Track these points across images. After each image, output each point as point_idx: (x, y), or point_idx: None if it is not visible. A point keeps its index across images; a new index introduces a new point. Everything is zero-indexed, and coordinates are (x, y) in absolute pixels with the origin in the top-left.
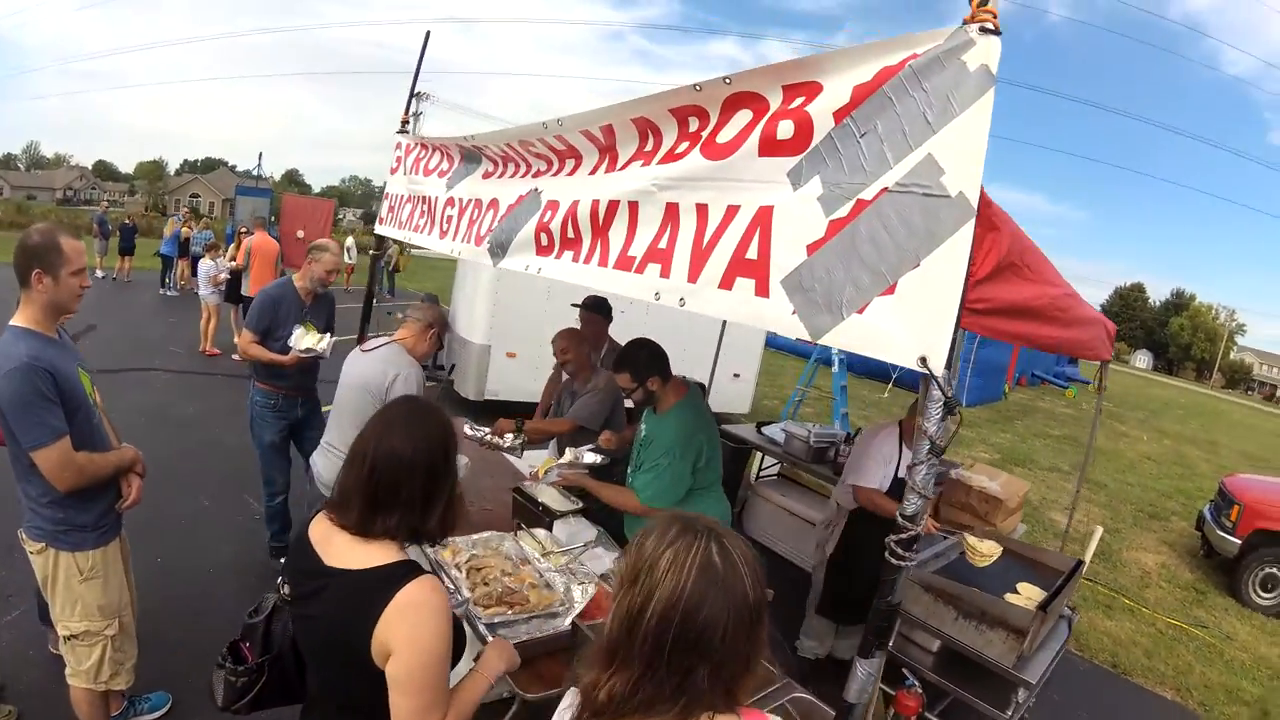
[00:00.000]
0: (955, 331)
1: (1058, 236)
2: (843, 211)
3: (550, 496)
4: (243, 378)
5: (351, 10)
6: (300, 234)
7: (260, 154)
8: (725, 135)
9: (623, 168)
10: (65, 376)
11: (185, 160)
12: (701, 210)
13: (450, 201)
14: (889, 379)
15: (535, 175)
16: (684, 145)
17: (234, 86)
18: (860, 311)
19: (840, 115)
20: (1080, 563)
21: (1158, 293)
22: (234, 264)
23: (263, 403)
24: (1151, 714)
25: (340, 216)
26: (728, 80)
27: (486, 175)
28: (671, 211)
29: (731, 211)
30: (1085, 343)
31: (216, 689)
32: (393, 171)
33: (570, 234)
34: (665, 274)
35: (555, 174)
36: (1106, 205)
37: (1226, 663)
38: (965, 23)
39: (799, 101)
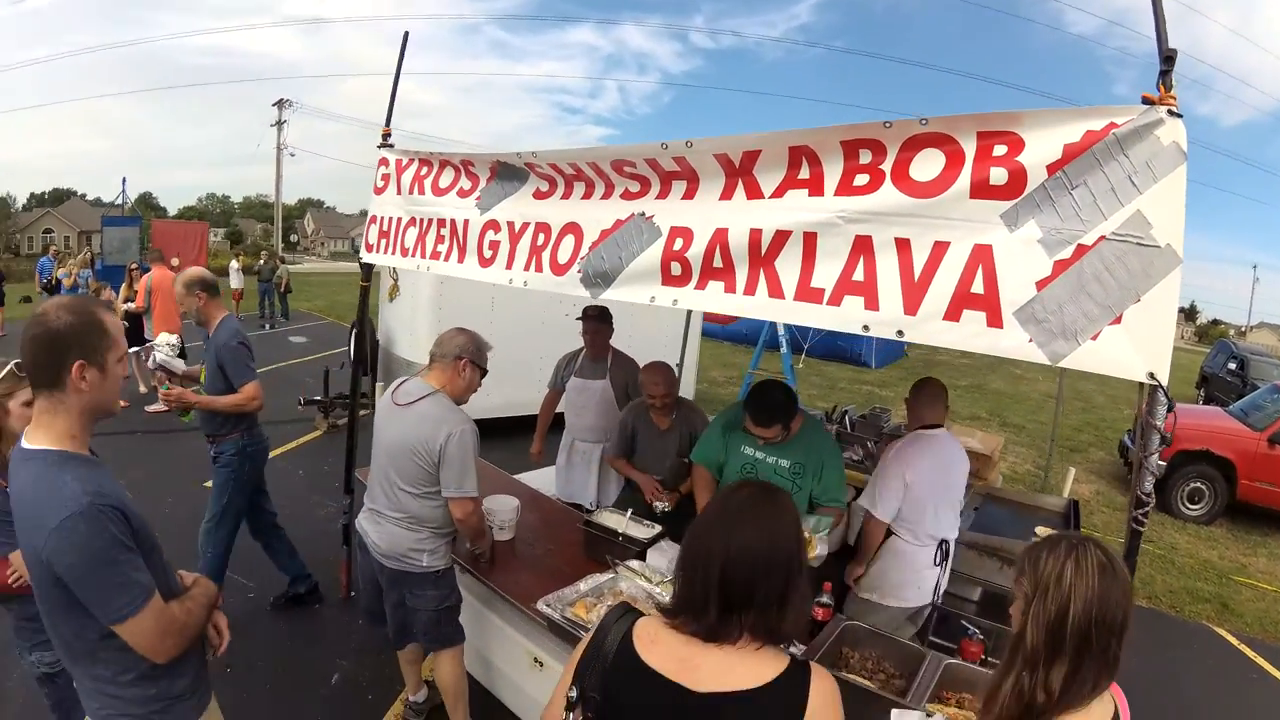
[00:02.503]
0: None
1: None
2: (1065, 254)
3: (625, 524)
4: (159, 432)
5: (182, 17)
6: (175, 262)
7: (124, 180)
8: (922, 173)
9: (776, 194)
10: (132, 511)
11: (32, 193)
12: (903, 245)
13: (492, 225)
14: (801, 351)
15: (628, 197)
16: (865, 177)
17: (70, 110)
18: (1094, 338)
19: (1053, 168)
20: (1075, 502)
21: None
22: (133, 306)
23: None
24: (1139, 621)
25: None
26: (924, 121)
27: (540, 195)
28: (863, 244)
29: (940, 248)
30: None
31: None
32: (379, 191)
33: (718, 263)
34: (872, 306)
35: (662, 196)
36: None
37: (1179, 569)
38: (1147, 101)
39: (1003, 150)
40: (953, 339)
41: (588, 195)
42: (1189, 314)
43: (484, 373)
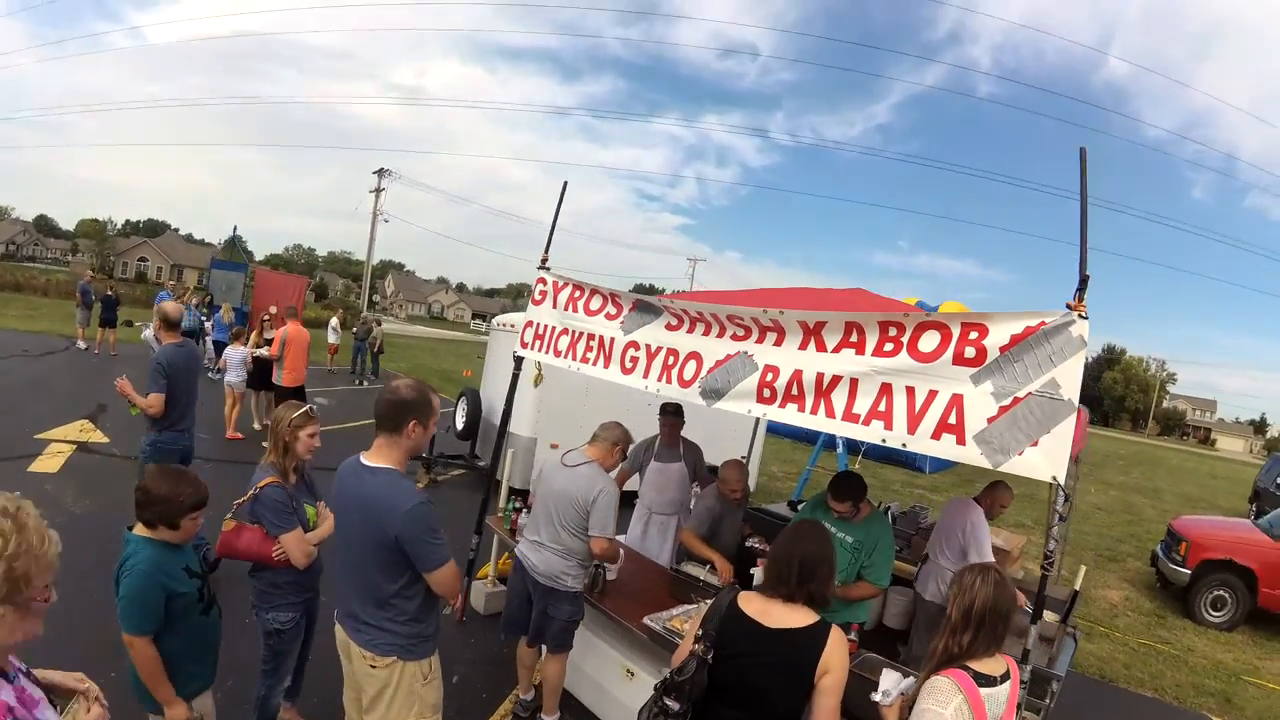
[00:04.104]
0: (1069, 464)
1: (990, 299)
2: (1006, 401)
3: (702, 573)
4: None
5: (291, 71)
6: (273, 309)
7: (235, 228)
8: (925, 346)
9: (835, 350)
10: None
11: (127, 220)
12: (910, 390)
13: (633, 344)
14: (858, 452)
15: (735, 338)
16: (890, 346)
17: (173, 148)
18: (1020, 454)
19: (1004, 349)
20: (1076, 592)
21: (1090, 349)
22: (265, 352)
23: None
24: (1139, 708)
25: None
26: (928, 314)
27: (671, 328)
28: (886, 388)
29: (932, 394)
30: (1080, 444)
31: None
32: (536, 303)
33: (794, 392)
34: (889, 427)
35: (759, 342)
36: (1034, 270)
37: (1191, 668)
38: (1069, 307)
39: (975, 335)
40: (936, 451)
41: (706, 333)
42: (1259, 427)
43: (625, 456)
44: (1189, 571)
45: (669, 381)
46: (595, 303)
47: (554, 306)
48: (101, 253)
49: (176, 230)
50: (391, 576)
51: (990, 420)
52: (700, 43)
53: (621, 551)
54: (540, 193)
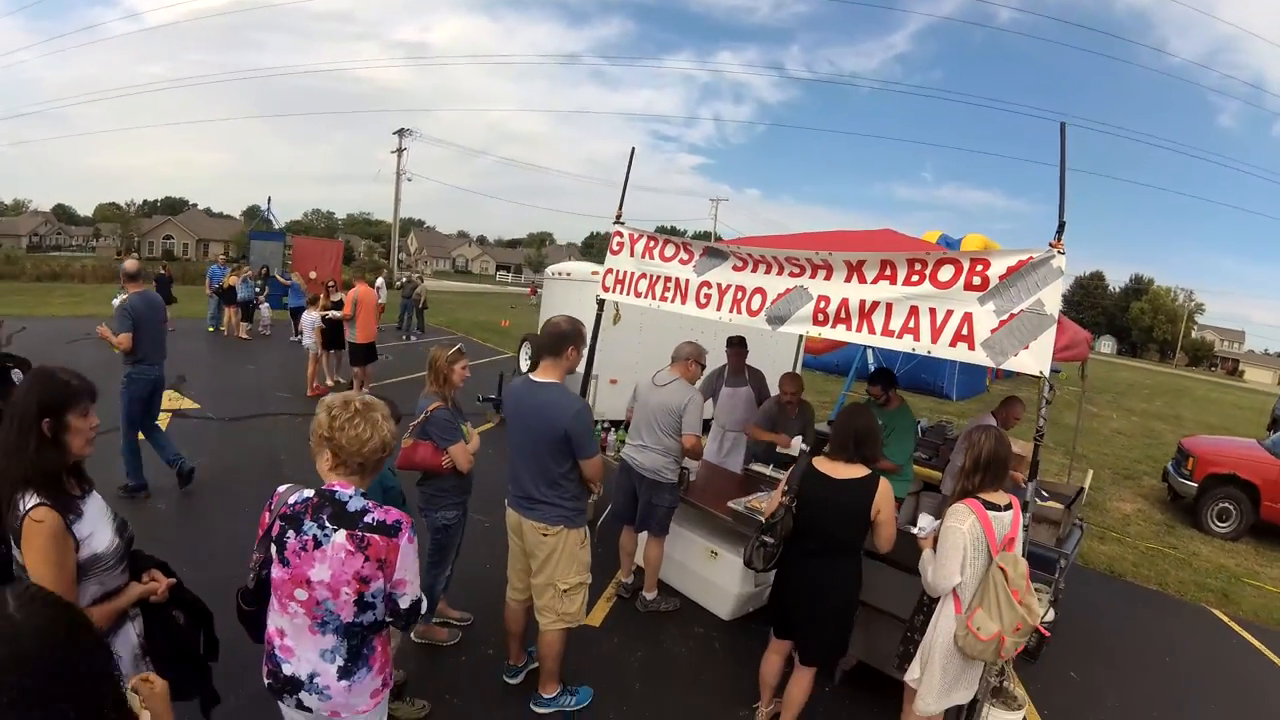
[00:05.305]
0: (1051, 363)
1: (1016, 230)
2: (1004, 317)
3: (768, 470)
4: None
5: (296, 39)
6: (313, 274)
7: (269, 199)
8: (943, 276)
9: (874, 281)
10: None
11: (145, 200)
12: (932, 311)
13: (705, 284)
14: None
15: (792, 275)
16: (916, 277)
17: (179, 124)
18: (1015, 355)
19: (1003, 278)
20: (1082, 489)
21: (1117, 279)
22: (338, 314)
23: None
24: (1144, 599)
25: None
26: (945, 253)
27: (737, 269)
28: (914, 310)
29: (949, 313)
30: (1077, 352)
31: (755, 557)
32: (614, 253)
33: (842, 316)
34: (916, 339)
35: (812, 277)
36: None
37: (1194, 569)
38: (1051, 245)
39: (980, 267)
40: (953, 355)
41: (768, 272)
42: None
43: (703, 367)
44: (1195, 485)
45: (739, 313)
46: (669, 250)
47: (631, 255)
48: (125, 235)
49: (195, 205)
50: (560, 462)
51: (993, 331)
52: None
53: (695, 466)
54: (553, 140)
